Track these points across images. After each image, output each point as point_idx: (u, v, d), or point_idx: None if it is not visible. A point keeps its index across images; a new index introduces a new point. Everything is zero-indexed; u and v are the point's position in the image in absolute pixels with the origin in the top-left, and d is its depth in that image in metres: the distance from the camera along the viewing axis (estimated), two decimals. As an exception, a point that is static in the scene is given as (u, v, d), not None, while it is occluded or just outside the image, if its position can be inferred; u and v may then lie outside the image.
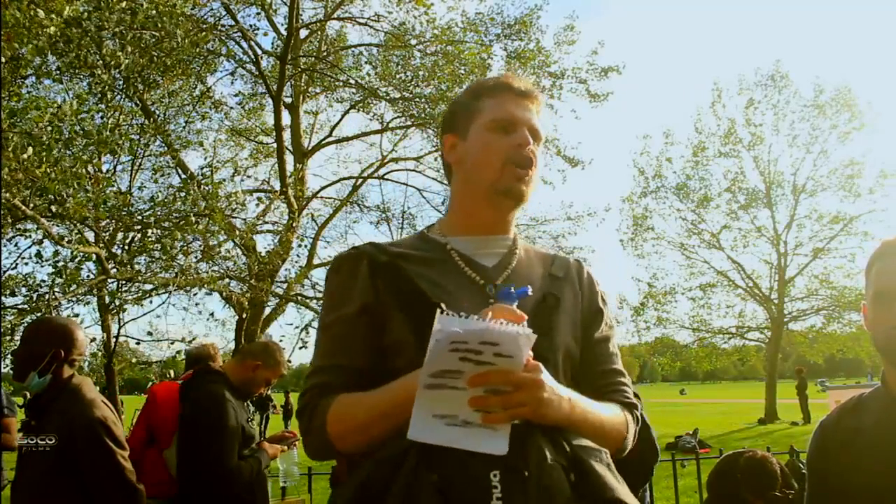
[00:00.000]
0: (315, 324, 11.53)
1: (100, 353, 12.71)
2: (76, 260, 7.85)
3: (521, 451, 0.99)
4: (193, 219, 7.91)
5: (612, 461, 1.12)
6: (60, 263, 7.69)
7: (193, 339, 10.58)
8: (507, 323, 0.96)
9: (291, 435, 3.26)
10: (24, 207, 6.12)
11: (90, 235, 9.17)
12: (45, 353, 2.33)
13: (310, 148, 14.00)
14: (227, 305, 9.96)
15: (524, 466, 0.99)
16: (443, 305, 1.01)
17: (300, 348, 11.20)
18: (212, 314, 13.24)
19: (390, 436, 1.04)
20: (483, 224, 1.29)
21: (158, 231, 8.55)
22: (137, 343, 13.27)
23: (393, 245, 1.30)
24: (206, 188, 8.03)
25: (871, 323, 1.46)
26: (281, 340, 13.50)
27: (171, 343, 11.77)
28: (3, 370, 7.56)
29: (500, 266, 1.26)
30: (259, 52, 12.07)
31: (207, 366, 3.13)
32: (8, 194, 5.66)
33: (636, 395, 1.35)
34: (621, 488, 1.06)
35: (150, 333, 12.99)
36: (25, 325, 8.64)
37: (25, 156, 4.95)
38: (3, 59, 4.70)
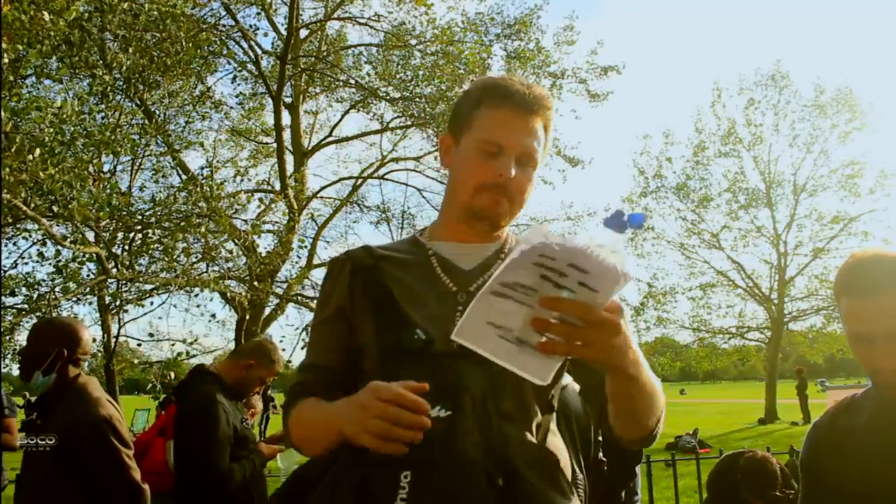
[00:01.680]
0: (315, 324, 11.53)
1: (100, 354, 12.72)
2: (77, 260, 7.86)
3: (442, 450, 0.97)
4: (196, 220, 7.92)
5: (567, 474, 1.07)
6: (62, 263, 7.71)
7: (195, 340, 10.60)
8: (608, 253, 0.85)
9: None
10: (24, 208, 6.12)
11: (90, 235, 9.18)
12: (48, 352, 2.33)
13: (310, 148, 14.00)
14: (229, 307, 9.95)
15: (435, 468, 0.97)
16: (537, 225, 0.92)
17: (302, 348, 11.21)
18: (213, 315, 13.25)
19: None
20: (465, 234, 1.26)
21: (159, 231, 8.56)
22: (139, 344, 13.28)
23: (384, 248, 1.30)
24: (209, 190, 8.04)
25: (854, 353, 1.43)
26: (281, 341, 13.53)
27: (173, 344, 11.78)
28: (2, 370, 7.58)
29: (478, 270, 1.22)
30: (259, 52, 12.10)
31: (201, 366, 3.14)
32: (9, 195, 5.66)
33: None
34: (561, 501, 1.01)
35: (151, 335, 13.01)
36: (25, 324, 8.71)
37: (31, 157, 4.96)
38: (6, 60, 4.70)
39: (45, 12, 4.87)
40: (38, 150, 5.00)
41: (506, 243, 1.28)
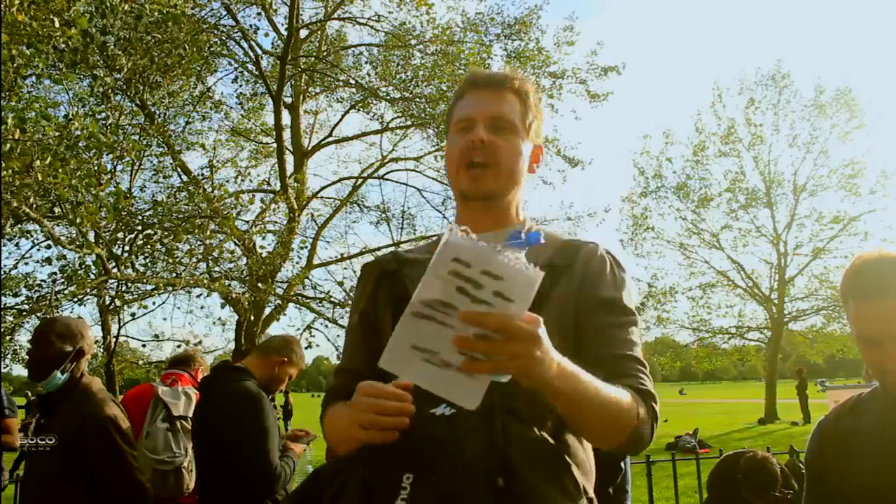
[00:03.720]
0: (316, 325, 11.56)
1: (99, 354, 12.74)
2: (84, 265, 7.87)
3: (442, 450, 0.97)
4: (198, 221, 7.93)
5: (576, 474, 1.05)
6: (69, 270, 7.72)
7: (199, 341, 10.60)
8: (518, 259, 0.85)
9: (304, 434, 3.23)
10: (27, 210, 6.13)
11: (90, 235, 9.19)
12: (68, 351, 2.34)
13: (310, 148, 13.99)
14: (230, 308, 9.96)
15: (435, 468, 0.97)
16: (453, 230, 0.92)
17: (305, 348, 11.20)
18: (219, 319, 13.26)
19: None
20: (472, 222, 1.25)
21: (160, 232, 8.57)
22: (143, 345, 13.31)
23: (410, 251, 1.38)
24: (215, 192, 8.05)
25: (862, 355, 1.44)
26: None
27: (179, 345, 11.80)
28: (2, 370, 7.59)
29: None
30: (259, 52, 12.10)
31: (228, 362, 3.12)
32: (15, 200, 5.67)
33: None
34: (561, 499, 1.01)
35: (156, 336, 13.04)
36: (25, 325, 8.71)
37: (38, 163, 4.96)
38: (9, 62, 4.71)
39: (55, 18, 4.89)
40: (48, 159, 5.00)
41: (521, 230, 1.27)
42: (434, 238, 1.39)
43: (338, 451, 1.19)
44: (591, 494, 1.12)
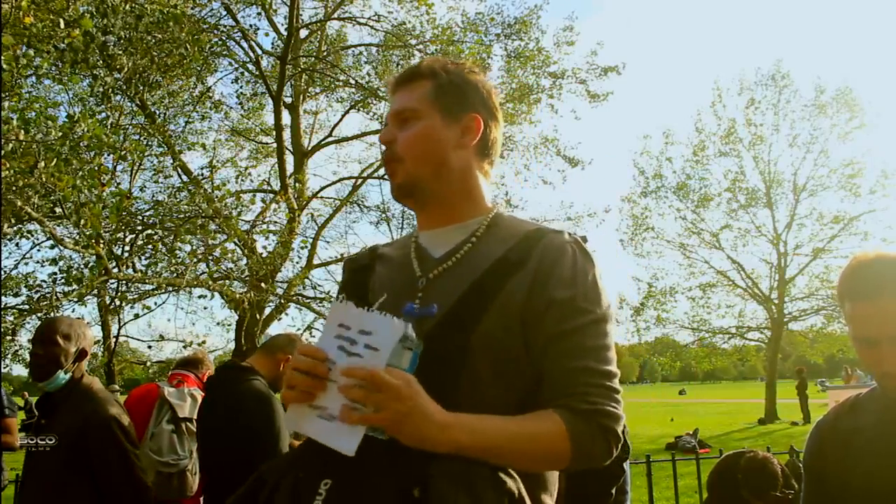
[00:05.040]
0: (317, 325, 11.56)
1: (99, 354, 12.76)
2: (88, 265, 7.88)
3: (360, 457, 0.95)
4: (199, 221, 7.93)
5: (509, 485, 0.97)
6: (77, 270, 7.73)
7: (203, 342, 10.60)
8: (386, 315, 0.98)
9: None
10: (29, 210, 6.13)
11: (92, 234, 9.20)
12: (72, 351, 2.35)
13: (310, 148, 14.00)
14: (230, 307, 9.96)
15: (351, 475, 0.97)
16: (337, 299, 1.07)
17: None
18: (223, 320, 13.28)
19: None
20: (427, 220, 1.26)
21: (161, 232, 8.57)
22: (149, 347, 13.32)
23: (388, 245, 1.34)
24: (216, 192, 8.04)
25: (859, 355, 1.43)
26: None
27: (185, 346, 11.80)
28: (2, 370, 7.60)
29: (446, 256, 1.19)
30: (259, 52, 12.10)
31: (234, 360, 3.09)
32: (19, 200, 5.67)
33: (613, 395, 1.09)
34: None
35: (161, 337, 13.05)
36: (25, 325, 8.71)
37: (42, 164, 4.96)
38: (13, 63, 4.71)
39: (60, 20, 4.89)
40: (53, 160, 5.00)
41: (482, 226, 1.21)
42: (413, 232, 1.36)
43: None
44: (544, 500, 1.11)
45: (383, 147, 1.24)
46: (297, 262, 12.25)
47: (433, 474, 0.94)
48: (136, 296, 11.29)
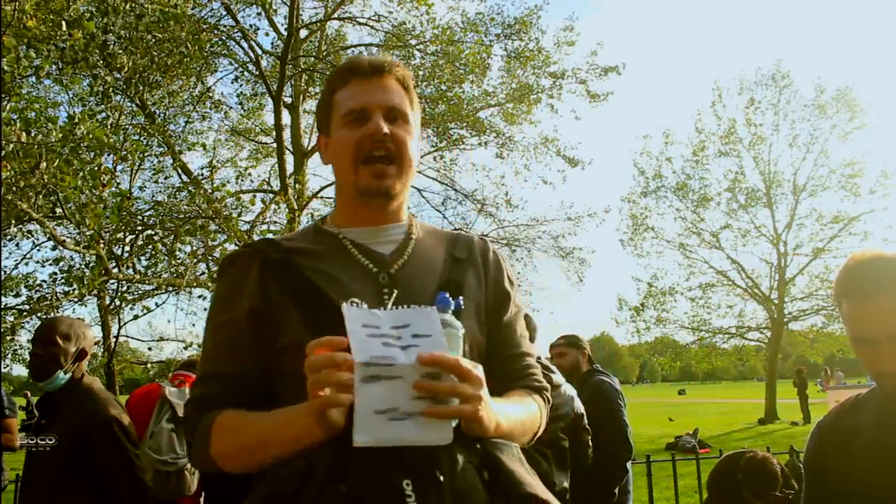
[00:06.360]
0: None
1: (99, 354, 12.75)
2: (89, 265, 7.88)
3: (432, 456, 0.95)
4: (200, 221, 7.92)
5: (524, 454, 1.10)
6: (79, 270, 7.73)
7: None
8: (412, 307, 0.98)
9: None
10: (30, 210, 6.13)
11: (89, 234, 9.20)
12: (72, 351, 2.36)
13: (310, 148, 14.00)
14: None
15: (437, 472, 0.95)
16: (346, 303, 1.00)
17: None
18: None
19: (288, 456, 0.98)
20: (368, 218, 1.22)
21: (161, 232, 8.57)
22: (150, 348, 13.31)
23: (287, 240, 1.24)
24: (216, 192, 8.04)
25: (857, 355, 1.43)
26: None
27: (186, 347, 11.81)
28: (2, 370, 7.60)
29: (396, 253, 1.20)
30: (259, 52, 12.10)
31: None
32: (23, 202, 5.68)
33: (545, 372, 1.30)
34: (533, 481, 1.03)
35: (161, 338, 13.04)
36: (25, 325, 8.71)
37: (44, 165, 4.97)
38: (14, 63, 4.72)
39: (62, 21, 4.90)
40: (56, 161, 5.00)
41: (411, 226, 1.26)
42: (309, 225, 1.31)
43: (228, 463, 1.06)
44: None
45: (372, 134, 1.16)
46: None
47: (494, 454, 1.01)
48: (136, 296, 11.29)
